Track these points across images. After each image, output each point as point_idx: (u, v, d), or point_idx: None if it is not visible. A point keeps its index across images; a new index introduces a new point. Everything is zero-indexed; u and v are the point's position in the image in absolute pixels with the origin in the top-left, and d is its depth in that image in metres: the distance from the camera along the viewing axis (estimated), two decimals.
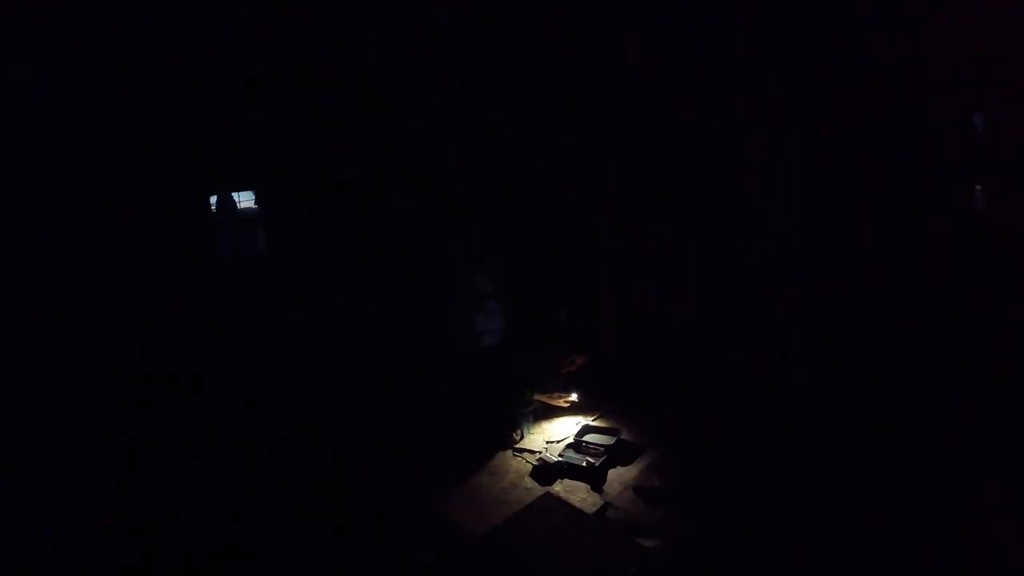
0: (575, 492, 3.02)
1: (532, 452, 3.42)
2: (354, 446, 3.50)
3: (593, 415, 3.79)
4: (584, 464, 3.18)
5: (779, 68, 3.55)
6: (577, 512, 2.82)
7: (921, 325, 3.35)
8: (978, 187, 3.32)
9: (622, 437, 3.43)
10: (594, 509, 2.86)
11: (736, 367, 3.92)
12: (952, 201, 3.37)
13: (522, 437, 3.58)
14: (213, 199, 4.26)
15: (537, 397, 3.82)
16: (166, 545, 2.76)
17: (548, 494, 3.00)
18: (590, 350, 4.17)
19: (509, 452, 3.48)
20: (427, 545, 2.73)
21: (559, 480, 3.15)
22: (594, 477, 3.13)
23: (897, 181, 3.42)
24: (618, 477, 3.14)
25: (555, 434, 3.60)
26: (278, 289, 4.04)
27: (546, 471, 3.21)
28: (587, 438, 3.45)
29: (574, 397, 3.87)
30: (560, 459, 3.25)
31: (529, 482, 3.17)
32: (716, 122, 3.89)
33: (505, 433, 3.52)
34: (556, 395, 3.87)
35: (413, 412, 3.84)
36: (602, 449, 3.29)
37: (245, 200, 5.32)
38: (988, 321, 3.20)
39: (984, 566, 2.23)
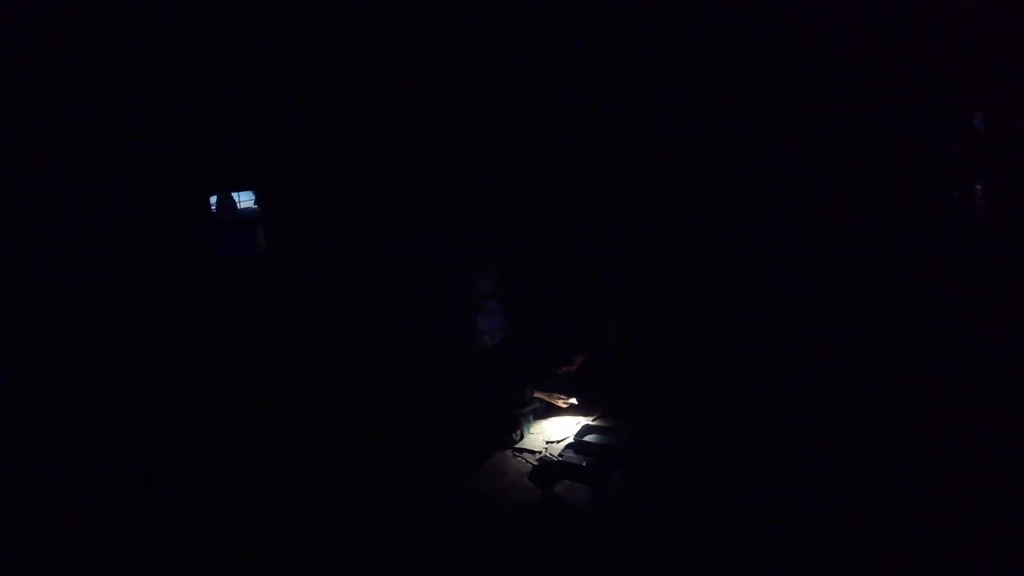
0: (575, 492, 3.02)
1: (532, 452, 3.42)
2: (353, 446, 3.50)
3: (593, 415, 3.80)
4: (584, 464, 3.19)
5: (779, 69, 3.55)
6: (577, 512, 2.82)
7: (921, 324, 3.36)
8: (978, 187, 3.33)
9: (622, 437, 3.43)
10: (594, 509, 2.86)
11: (734, 366, 3.93)
12: (952, 201, 3.37)
13: (522, 437, 3.58)
14: (213, 199, 4.27)
15: (537, 395, 3.82)
16: (178, 542, 2.76)
17: (548, 494, 3.00)
18: (590, 350, 4.17)
19: (509, 452, 3.47)
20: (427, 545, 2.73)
21: (559, 480, 3.16)
22: (594, 477, 3.14)
23: (897, 181, 3.42)
24: (618, 477, 3.14)
25: (555, 434, 3.59)
26: (278, 289, 4.05)
27: (546, 471, 3.22)
28: (587, 438, 3.45)
29: (574, 400, 3.87)
30: (560, 459, 3.25)
31: (529, 482, 3.17)
32: (715, 125, 3.89)
33: (505, 433, 3.52)
34: (556, 395, 3.87)
35: (413, 412, 3.84)
36: (602, 449, 3.30)
37: (245, 200, 5.33)
38: (988, 320, 3.21)
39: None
